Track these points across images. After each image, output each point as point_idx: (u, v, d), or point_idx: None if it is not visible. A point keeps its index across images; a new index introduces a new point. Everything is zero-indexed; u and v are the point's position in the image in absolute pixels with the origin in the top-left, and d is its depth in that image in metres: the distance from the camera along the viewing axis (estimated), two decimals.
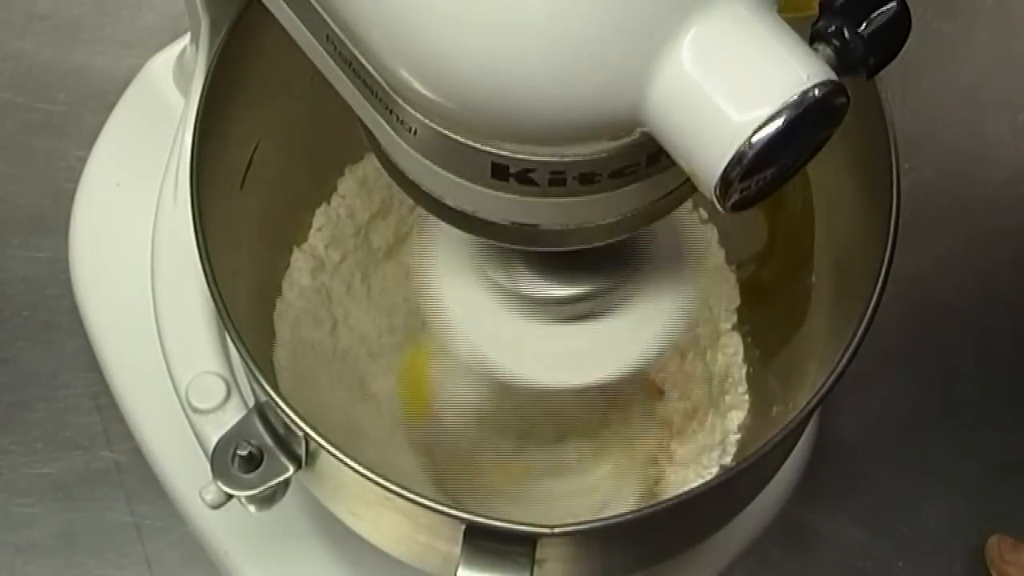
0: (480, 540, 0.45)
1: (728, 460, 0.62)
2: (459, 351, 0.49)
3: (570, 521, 0.58)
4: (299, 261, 0.65)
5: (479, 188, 0.39)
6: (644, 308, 0.49)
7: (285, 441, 0.49)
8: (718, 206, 0.35)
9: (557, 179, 0.38)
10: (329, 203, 0.66)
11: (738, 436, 0.62)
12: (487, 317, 0.48)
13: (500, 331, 0.48)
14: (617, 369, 0.49)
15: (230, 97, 0.52)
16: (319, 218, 0.66)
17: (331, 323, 0.64)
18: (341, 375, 0.63)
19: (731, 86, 0.34)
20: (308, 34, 0.41)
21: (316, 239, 0.65)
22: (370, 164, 0.65)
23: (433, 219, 0.43)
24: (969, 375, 0.75)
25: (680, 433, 0.64)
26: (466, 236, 0.44)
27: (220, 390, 0.52)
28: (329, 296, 0.64)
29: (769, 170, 0.35)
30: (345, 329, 0.64)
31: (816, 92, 0.34)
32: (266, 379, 0.46)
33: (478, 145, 0.37)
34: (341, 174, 0.66)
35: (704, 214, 0.66)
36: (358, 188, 0.66)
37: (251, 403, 0.52)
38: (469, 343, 0.49)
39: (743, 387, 0.63)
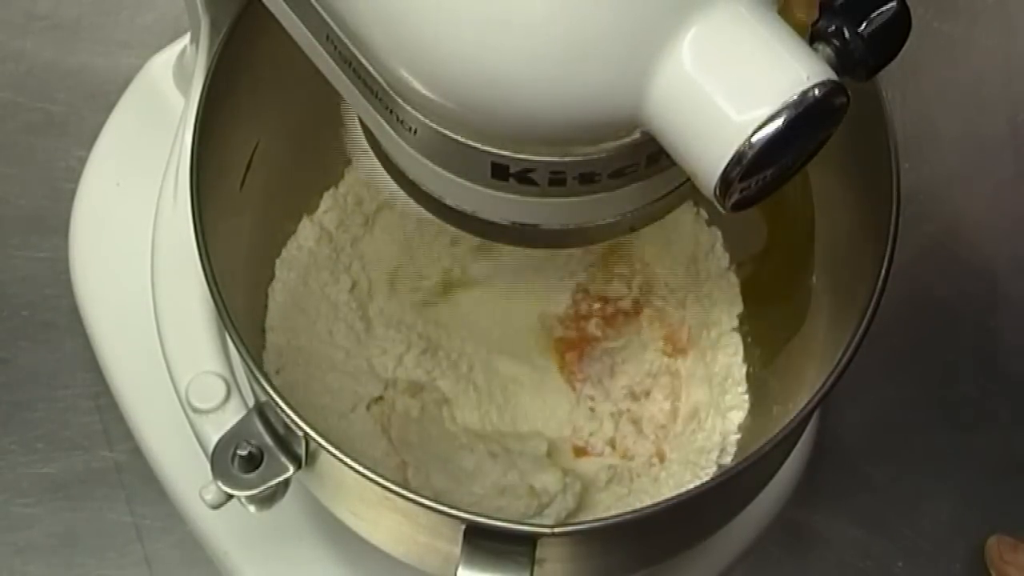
0: (480, 540, 0.45)
1: (728, 460, 0.62)
2: None
3: (568, 521, 0.58)
4: (306, 228, 0.65)
5: (479, 188, 0.39)
6: None
7: (285, 441, 0.49)
8: (718, 206, 0.35)
9: (557, 179, 0.38)
10: (337, 188, 0.66)
11: (738, 436, 0.62)
12: None
13: None
14: None
15: (230, 97, 0.52)
16: (327, 200, 0.66)
17: (334, 274, 0.64)
18: (345, 316, 0.63)
19: (731, 86, 0.34)
20: (308, 34, 0.41)
21: (325, 219, 0.65)
22: None
23: None
24: (969, 375, 0.75)
25: (679, 434, 0.64)
26: None
27: (220, 390, 0.52)
28: (335, 255, 0.64)
29: (769, 170, 0.35)
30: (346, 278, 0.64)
31: (816, 92, 0.34)
32: (266, 379, 0.46)
33: (478, 145, 0.37)
34: (348, 163, 0.66)
35: (706, 215, 0.66)
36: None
37: (251, 403, 0.52)
38: None
39: (743, 387, 0.63)
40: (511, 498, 0.60)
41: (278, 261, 0.64)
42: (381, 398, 0.63)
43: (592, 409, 0.64)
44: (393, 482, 0.44)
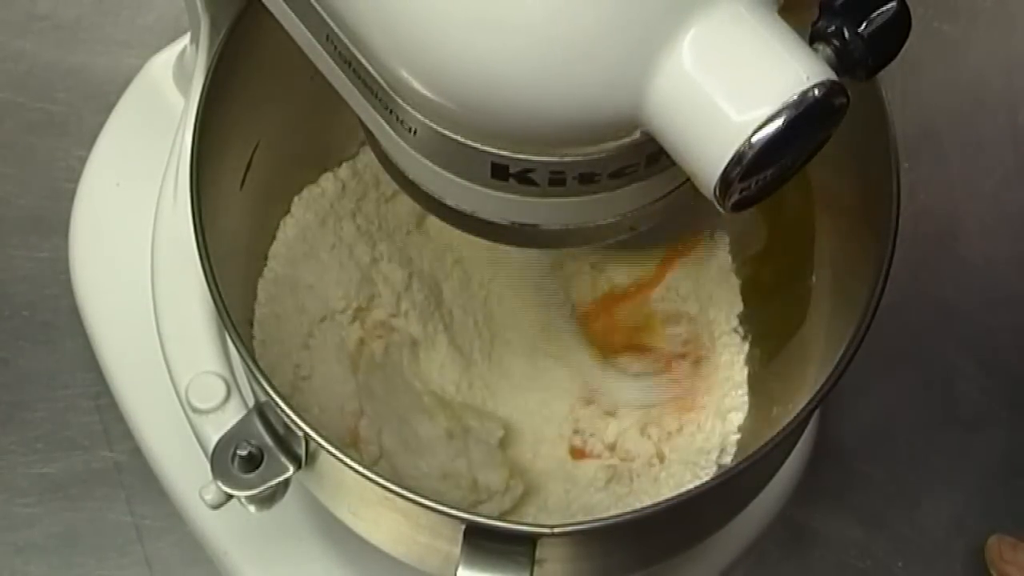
0: (480, 540, 0.45)
1: (728, 460, 0.62)
2: None
3: (570, 521, 0.58)
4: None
5: (479, 188, 0.39)
6: None
7: (285, 441, 0.49)
8: (718, 206, 0.35)
9: (557, 179, 0.38)
10: (355, 162, 0.65)
11: (738, 436, 0.62)
12: None
13: None
14: None
15: (230, 97, 0.52)
16: (345, 170, 0.65)
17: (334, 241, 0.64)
18: (342, 272, 0.63)
19: (731, 86, 0.34)
20: (308, 34, 0.41)
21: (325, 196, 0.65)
22: None
23: None
24: (969, 375, 0.75)
25: (679, 435, 0.64)
26: None
27: (220, 390, 0.52)
28: (338, 230, 0.64)
29: (769, 170, 0.35)
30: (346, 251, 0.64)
31: (816, 92, 0.34)
32: (266, 379, 0.46)
33: (478, 145, 0.37)
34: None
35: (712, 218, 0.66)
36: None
37: (251, 403, 0.52)
38: None
39: (743, 388, 0.63)
40: (451, 485, 0.59)
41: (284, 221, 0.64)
42: (361, 341, 0.63)
43: (609, 413, 0.64)
44: (393, 482, 0.44)
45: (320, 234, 0.63)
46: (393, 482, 0.44)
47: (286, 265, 0.62)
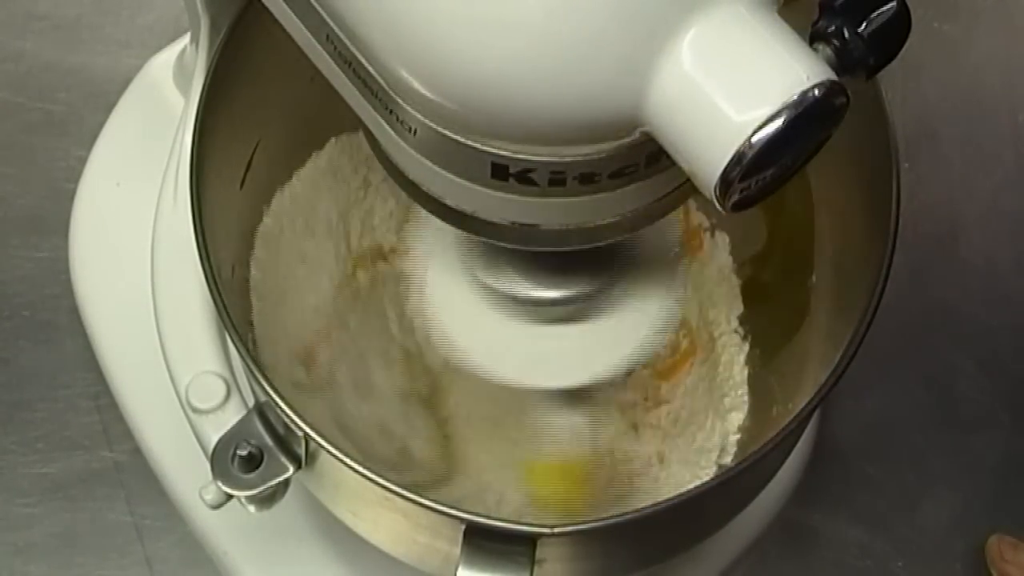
0: (480, 540, 0.45)
1: (728, 460, 0.62)
2: (443, 350, 0.50)
3: (570, 521, 0.58)
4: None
5: (479, 188, 0.39)
6: (629, 312, 0.49)
7: (285, 441, 0.49)
8: (718, 206, 0.35)
9: (557, 179, 0.38)
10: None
11: (738, 437, 0.62)
12: (472, 315, 0.49)
13: (484, 330, 0.49)
14: (597, 374, 0.49)
15: (230, 97, 0.52)
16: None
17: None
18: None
19: (731, 86, 0.34)
20: (308, 34, 0.41)
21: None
22: None
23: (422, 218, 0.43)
24: (969, 375, 0.75)
25: (678, 435, 0.63)
26: (455, 235, 0.44)
27: (220, 390, 0.52)
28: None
29: (769, 170, 0.35)
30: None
31: (816, 92, 0.34)
32: (266, 379, 0.46)
33: (478, 145, 0.37)
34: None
35: (712, 219, 0.66)
36: None
37: (251, 403, 0.52)
38: (452, 341, 0.49)
39: (743, 389, 0.63)
40: (383, 441, 0.59)
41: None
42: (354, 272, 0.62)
43: (593, 419, 0.64)
44: (393, 482, 0.44)
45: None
46: (392, 482, 0.44)
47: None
